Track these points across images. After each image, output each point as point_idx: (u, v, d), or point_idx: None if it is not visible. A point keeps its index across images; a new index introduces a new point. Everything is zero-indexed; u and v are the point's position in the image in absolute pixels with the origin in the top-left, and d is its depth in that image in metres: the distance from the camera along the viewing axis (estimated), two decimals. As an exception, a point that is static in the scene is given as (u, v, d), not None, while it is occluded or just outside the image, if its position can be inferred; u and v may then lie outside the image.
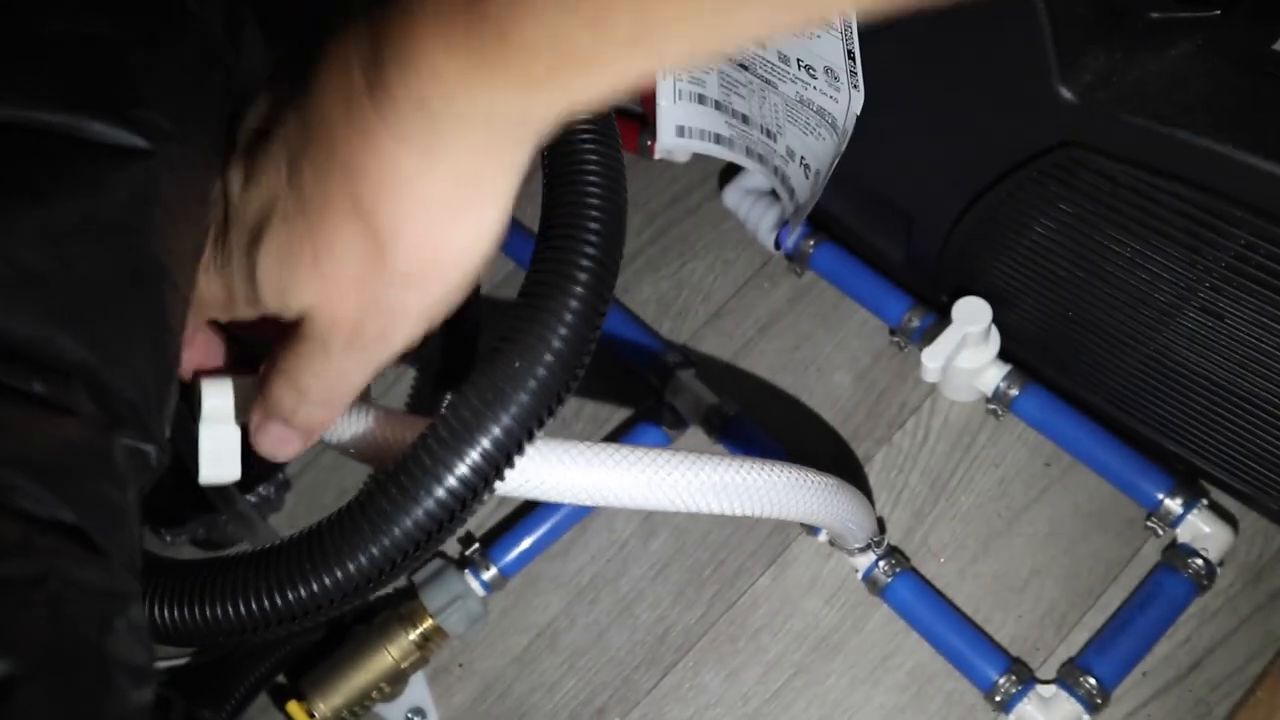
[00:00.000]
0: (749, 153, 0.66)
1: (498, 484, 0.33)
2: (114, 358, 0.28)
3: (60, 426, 0.26)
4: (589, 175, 0.35)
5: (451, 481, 0.32)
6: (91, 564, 0.24)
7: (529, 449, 0.34)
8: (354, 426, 0.37)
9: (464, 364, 0.66)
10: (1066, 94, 0.45)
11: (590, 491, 0.37)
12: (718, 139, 0.66)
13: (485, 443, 0.32)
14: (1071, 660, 0.59)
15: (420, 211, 0.28)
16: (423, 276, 0.29)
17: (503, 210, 0.29)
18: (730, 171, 0.76)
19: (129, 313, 0.28)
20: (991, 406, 0.66)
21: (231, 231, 0.31)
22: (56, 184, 0.27)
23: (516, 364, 0.32)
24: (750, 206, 0.73)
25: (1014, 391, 0.64)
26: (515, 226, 0.77)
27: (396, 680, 0.63)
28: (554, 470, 0.36)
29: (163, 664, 0.67)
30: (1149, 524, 0.62)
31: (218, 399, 0.35)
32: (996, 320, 0.61)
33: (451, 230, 0.28)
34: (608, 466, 0.36)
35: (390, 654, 0.62)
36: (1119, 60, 0.44)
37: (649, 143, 0.68)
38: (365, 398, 0.40)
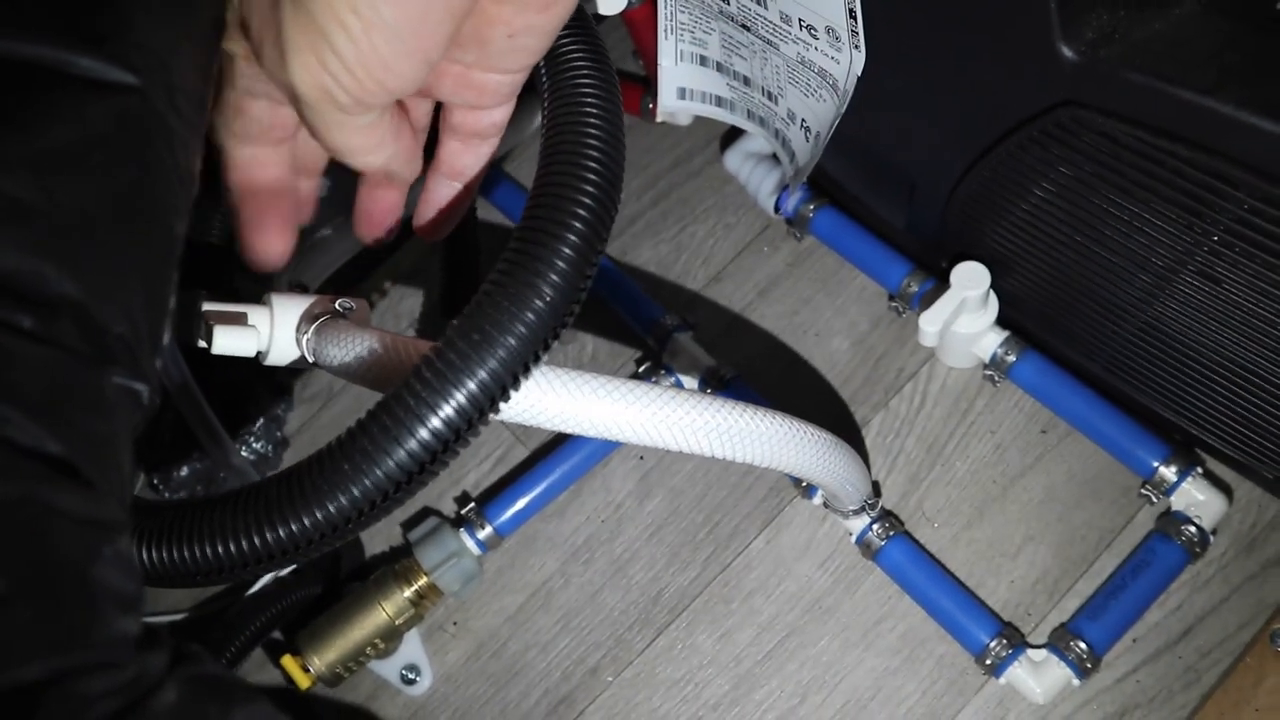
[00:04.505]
0: (750, 115, 0.65)
1: (495, 413, 0.34)
2: (104, 293, 0.28)
3: (48, 360, 0.26)
4: (588, 122, 0.35)
5: (435, 423, 0.32)
6: (78, 493, 0.24)
7: (536, 376, 0.34)
8: (358, 349, 0.37)
9: (466, 289, 0.66)
10: (1068, 52, 0.44)
11: (590, 422, 0.37)
12: (719, 101, 0.66)
13: (471, 384, 0.32)
14: (1063, 625, 0.59)
15: None
16: None
17: None
18: (732, 135, 0.75)
19: (119, 247, 0.28)
20: (989, 373, 0.66)
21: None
22: (42, 117, 0.27)
23: (506, 306, 0.32)
24: (751, 170, 0.72)
25: (1011, 358, 0.64)
26: (508, 181, 0.77)
27: (391, 637, 0.63)
28: (554, 398, 0.36)
29: (162, 619, 0.68)
30: (1143, 491, 0.62)
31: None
32: (995, 285, 0.61)
33: None
34: (609, 398, 0.36)
35: (385, 611, 0.62)
36: (1122, 18, 0.44)
37: (650, 105, 0.67)
38: (368, 323, 0.40)
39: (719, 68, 0.64)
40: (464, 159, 0.40)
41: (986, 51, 0.48)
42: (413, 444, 0.32)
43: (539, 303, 0.32)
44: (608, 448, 0.67)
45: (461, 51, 0.34)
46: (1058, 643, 0.58)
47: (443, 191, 0.41)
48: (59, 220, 0.27)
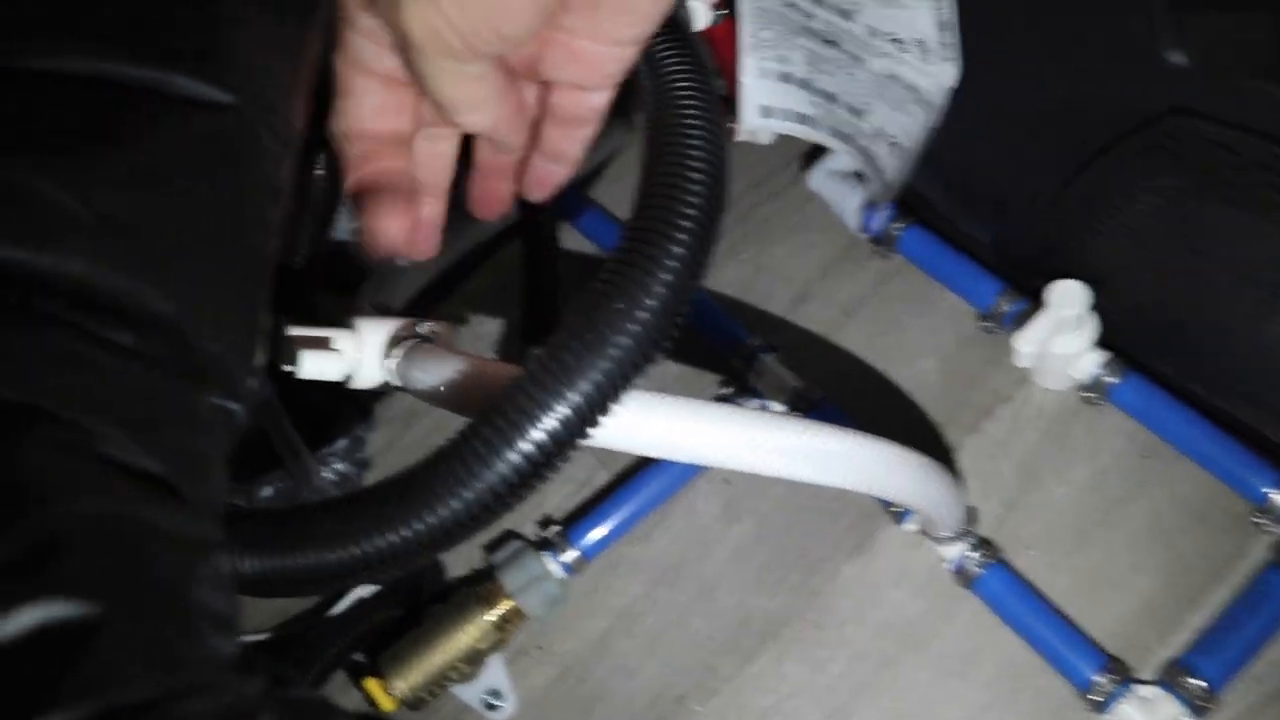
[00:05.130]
0: (835, 132, 0.64)
1: (592, 431, 0.33)
2: (200, 311, 0.28)
3: (146, 378, 0.26)
4: (692, 133, 0.35)
5: (551, 423, 0.31)
6: (175, 512, 0.24)
7: (626, 400, 0.33)
8: (445, 373, 0.37)
9: (547, 318, 0.66)
10: (1176, 58, 0.42)
11: (684, 447, 0.36)
12: (802, 118, 0.65)
13: (584, 386, 0.31)
14: (1174, 660, 0.56)
15: None
16: None
17: None
18: (814, 153, 0.74)
19: (215, 266, 0.28)
20: (1087, 394, 0.63)
21: None
22: (142, 136, 0.27)
23: (618, 306, 0.32)
24: (835, 188, 0.71)
25: (1112, 379, 0.61)
26: (597, 210, 0.77)
27: (474, 661, 0.63)
28: (648, 421, 0.35)
29: (245, 639, 0.68)
30: (1255, 519, 0.59)
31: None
32: (1094, 304, 0.59)
33: None
34: (704, 421, 0.35)
35: (468, 634, 0.62)
36: (1233, 21, 0.42)
37: (731, 124, 0.67)
38: (453, 346, 0.40)
39: (803, 84, 0.63)
40: (563, 144, 0.40)
41: (1087, 60, 0.46)
42: (527, 446, 0.31)
43: (651, 302, 0.32)
44: (693, 471, 0.66)
45: (571, 16, 0.33)
46: (1169, 679, 0.55)
47: (543, 169, 0.41)
48: (157, 238, 0.27)
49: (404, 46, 0.31)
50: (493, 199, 0.43)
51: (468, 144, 0.41)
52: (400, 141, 0.38)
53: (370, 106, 0.36)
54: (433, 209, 0.42)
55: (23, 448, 0.22)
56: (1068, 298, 0.59)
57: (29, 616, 0.20)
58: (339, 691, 0.66)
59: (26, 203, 0.24)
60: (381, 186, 0.38)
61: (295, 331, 0.41)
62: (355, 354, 0.41)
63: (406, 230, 0.39)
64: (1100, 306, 0.60)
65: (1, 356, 0.23)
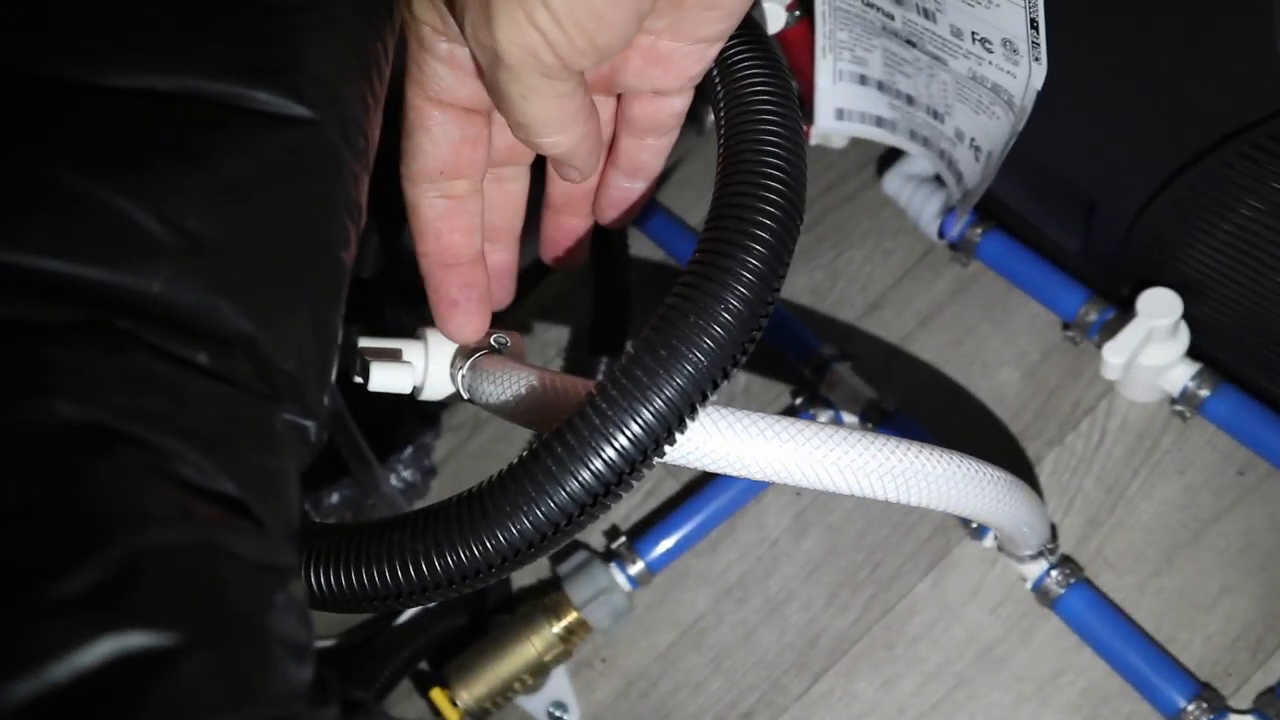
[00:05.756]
0: (913, 135, 0.62)
1: (668, 448, 0.32)
2: (276, 329, 0.27)
3: (223, 397, 0.26)
4: (768, 138, 0.33)
5: (623, 441, 0.30)
6: (252, 536, 0.24)
7: (699, 416, 0.33)
8: (515, 387, 0.36)
9: (616, 330, 0.66)
10: (1290, 57, 0.40)
11: (758, 464, 0.34)
12: (879, 121, 0.63)
13: (659, 401, 0.30)
14: (1271, 690, 0.54)
15: None
16: None
17: None
18: (889, 157, 0.72)
19: (291, 282, 0.28)
20: (1178, 408, 0.60)
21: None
22: (221, 151, 0.27)
23: (692, 320, 0.31)
24: (912, 193, 0.69)
25: (1204, 392, 0.59)
26: (668, 218, 0.76)
27: (539, 672, 0.62)
28: (721, 439, 0.34)
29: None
30: (1359, 540, 0.56)
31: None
32: (1187, 314, 0.57)
33: None
34: (778, 439, 0.34)
35: (534, 645, 0.61)
36: (1353, 18, 0.39)
37: (805, 127, 0.65)
38: (524, 357, 0.40)
39: (880, 86, 0.61)
40: (643, 156, 0.39)
41: (1191, 56, 0.44)
42: (599, 463, 0.30)
43: (726, 316, 0.31)
44: (762, 484, 0.65)
45: (655, 17, 0.32)
46: (1267, 708, 0.53)
47: (620, 188, 0.40)
48: (235, 255, 0.26)
49: (492, 67, 0.30)
50: (568, 238, 0.42)
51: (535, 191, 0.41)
52: (473, 166, 0.37)
53: (449, 142, 0.35)
54: (505, 255, 0.41)
55: (101, 472, 0.21)
56: (1160, 306, 0.56)
57: (107, 646, 0.20)
58: (403, 700, 0.66)
59: (106, 221, 0.24)
60: (451, 264, 0.38)
61: (365, 343, 0.41)
62: (424, 366, 0.41)
63: (478, 329, 0.39)
64: (1193, 316, 0.57)
65: (79, 377, 0.22)
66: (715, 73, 0.37)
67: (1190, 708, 0.53)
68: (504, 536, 0.31)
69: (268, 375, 0.27)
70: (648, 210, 0.76)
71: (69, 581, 0.20)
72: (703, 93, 0.38)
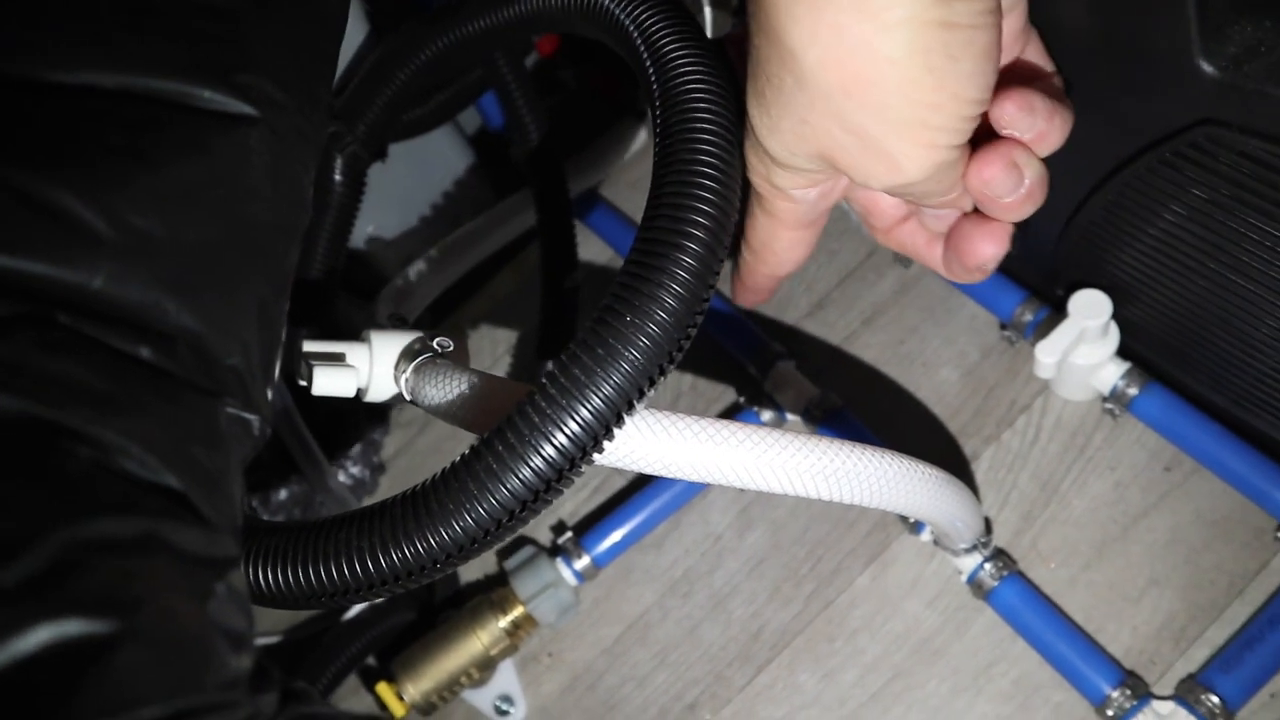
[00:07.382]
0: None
1: (606, 446, 0.33)
2: (220, 324, 0.28)
3: (165, 392, 0.26)
4: (703, 133, 0.34)
5: (562, 438, 0.31)
6: (193, 528, 0.24)
7: (634, 419, 0.33)
8: (456, 389, 0.37)
9: (563, 333, 0.66)
10: (1208, 68, 0.42)
11: (694, 467, 0.35)
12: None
13: (596, 399, 0.31)
14: (1192, 676, 0.56)
15: (825, 30, 0.31)
16: (846, 91, 0.32)
17: (908, 30, 0.30)
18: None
19: (236, 279, 0.28)
20: (1108, 406, 0.62)
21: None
22: (167, 151, 0.27)
23: (628, 319, 0.31)
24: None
25: (1133, 390, 0.61)
26: (615, 215, 0.76)
27: (486, 667, 0.62)
28: (657, 442, 0.34)
29: (258, 641, 0.68)
30: (1278, 535, 0.58)
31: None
32: (1116, 315, 0.58)
33: (856, 45, 0.30)
34: (713, 441, 0.35)
35: (480, 640, 0.62)
36: (1268, 30, 0.41)
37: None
38: (466, 361, 0.40)
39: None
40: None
41: (1116, 69, 0.45)
42: (538, 460, 0.31)
43: (661, 314, 0.32)
44: (707, 479, 0.66)
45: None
46: (1186, 695, 0.54)
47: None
48: (180, 252, 0.26)
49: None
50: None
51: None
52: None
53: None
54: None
55: (43, 465, 0.22)
56: (1091, 307, 0.58)
57: (44, 634, 0.20)
58: (351, 694, 0.66)
59: (50, 217, 0.24)
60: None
61: (310, 347, 0.41)
62: (368, 369, 0.41)
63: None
64: (1122, 317, 0.59)
65: (23, 372, 0.22)
66: (651, 72, 0.37)
67: (1115, 694, 0.55)
68: (447, 533, 0.31)
69: (212, 370, 0.28)
70: (589, 203, 0.77)
71: (7, 571, 0.20)
72: (638, 89, 0.39)
